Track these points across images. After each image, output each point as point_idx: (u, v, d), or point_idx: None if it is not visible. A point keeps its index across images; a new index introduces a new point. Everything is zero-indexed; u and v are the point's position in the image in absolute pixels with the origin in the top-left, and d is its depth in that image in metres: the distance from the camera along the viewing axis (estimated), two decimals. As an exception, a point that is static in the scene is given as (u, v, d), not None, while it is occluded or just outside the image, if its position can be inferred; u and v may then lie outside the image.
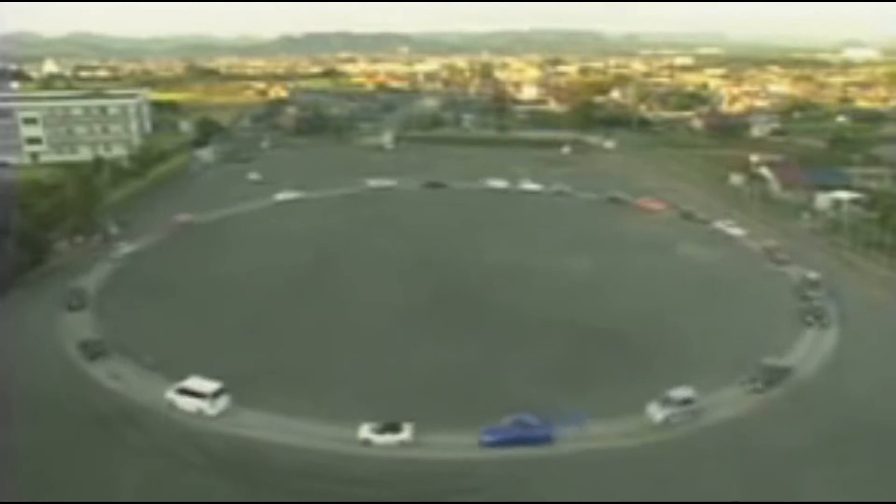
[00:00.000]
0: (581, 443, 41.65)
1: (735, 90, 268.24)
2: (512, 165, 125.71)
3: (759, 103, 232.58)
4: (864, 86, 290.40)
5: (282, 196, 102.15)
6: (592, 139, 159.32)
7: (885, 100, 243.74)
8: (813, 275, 67.66)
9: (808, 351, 53.93)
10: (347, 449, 41.05)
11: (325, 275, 70.31)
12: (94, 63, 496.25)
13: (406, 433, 41.64)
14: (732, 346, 53.91)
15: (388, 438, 41.41)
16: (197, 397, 44.29)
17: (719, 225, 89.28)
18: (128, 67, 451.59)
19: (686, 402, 43.79)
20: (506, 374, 49.58)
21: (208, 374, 46.07)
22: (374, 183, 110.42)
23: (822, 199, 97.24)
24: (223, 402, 44.47)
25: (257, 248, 78.62)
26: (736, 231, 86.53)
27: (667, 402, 43.68)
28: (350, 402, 45.25)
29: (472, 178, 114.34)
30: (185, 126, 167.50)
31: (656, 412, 43.47)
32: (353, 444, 41.33)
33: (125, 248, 77.09)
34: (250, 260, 74.30)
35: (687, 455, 40.78)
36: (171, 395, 45.11)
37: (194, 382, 45.22)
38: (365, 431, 41.65)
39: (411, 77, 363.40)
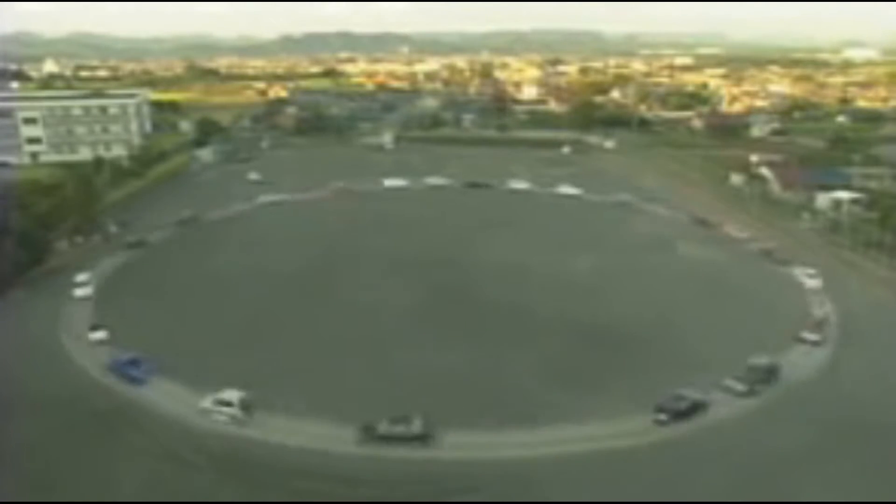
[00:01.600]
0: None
1: (735, 90, 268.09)
2: (513, 165, 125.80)
3: (759, 103, 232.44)
4: (864, 86, 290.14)
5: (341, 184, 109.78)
6: (592, 139, 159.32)
7: (885, 100, 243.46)
8: (819, 314, 60.71)
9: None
10: (187, 413, 44.69)
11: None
12: (95, 63, 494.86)
13: (235, 409, 44.04)
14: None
15: (223, 410, 44.23)
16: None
17: (796, 270, 72.90)
18: (128, 67, 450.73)
19: None
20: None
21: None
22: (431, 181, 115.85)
23: (822, 199, 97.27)
24: (99, 334, 54.86)
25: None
26: (811, 282, 69.44)
27: None
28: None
29: (484, 179, 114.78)
30: (185, 126, 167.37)
31: None
32: (195, 411, 44.76)
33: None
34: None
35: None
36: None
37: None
38: (206, 402, 44.80)
39: (411, 77, 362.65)
